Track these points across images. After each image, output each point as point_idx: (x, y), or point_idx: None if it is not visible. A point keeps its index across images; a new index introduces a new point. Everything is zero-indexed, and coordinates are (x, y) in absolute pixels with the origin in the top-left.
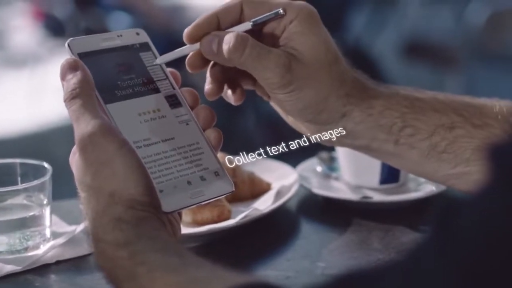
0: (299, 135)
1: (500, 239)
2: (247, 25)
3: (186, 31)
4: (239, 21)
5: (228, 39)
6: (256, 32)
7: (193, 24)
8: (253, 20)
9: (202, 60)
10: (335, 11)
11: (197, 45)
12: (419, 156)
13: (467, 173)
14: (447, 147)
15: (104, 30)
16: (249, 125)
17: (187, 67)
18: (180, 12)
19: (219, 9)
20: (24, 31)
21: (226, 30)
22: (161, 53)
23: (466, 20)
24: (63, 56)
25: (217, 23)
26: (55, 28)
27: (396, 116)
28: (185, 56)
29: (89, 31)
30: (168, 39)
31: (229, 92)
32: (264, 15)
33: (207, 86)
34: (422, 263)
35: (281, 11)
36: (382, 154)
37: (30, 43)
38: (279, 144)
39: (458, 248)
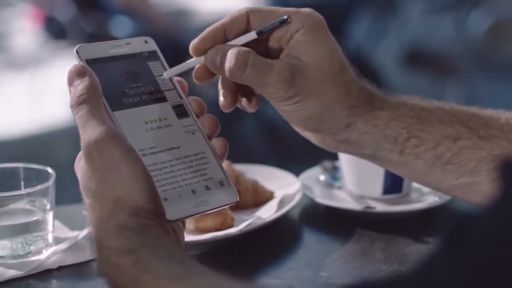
0: (301, 143)
1: (511, 251)
2: (252, 35)
3: (192, 44)
4: (246, 31)
5: (230, 57)
6: (263, 40)
7: (199, 37)
8: (257, 29)
9: (209, 72)
10: (337, 19)
11: (202, 58)
12: (424, 166)
13: (471, 184)
14: (452, 158)
15: (106, 34)
16: (253, 133)
17: (194, 79)
18: (183, 17)
19: (226, 20)
20: (26, 34)
21: (230, 43)
22: (166, 59)
23: (467, 29)
24: (65, 59)
25: (224, 34)
26: (56, 30)
27: (402, 127)
28: (184, 61)
29: (91, 35)
30: (171, 44)
31: (244, 100)
32: (269, 23)
33: (222, 99)
34: (432, 275)
35: (287, 18)
36: (387, 163)
37: (31, 46)
38: (281, 151)
39: (469, 260)
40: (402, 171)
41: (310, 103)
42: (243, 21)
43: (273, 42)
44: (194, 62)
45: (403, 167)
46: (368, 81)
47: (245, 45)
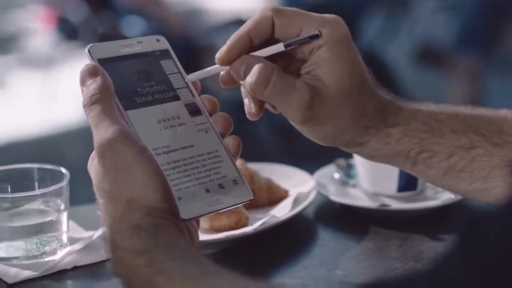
0: (313, 142)
1: None
2: (279, 47)
3: (218, 55)
4: (271, 36)
5: (253, 72)
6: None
7: (225, 47)
8: (286, 42)
9: (234, 79)
10: (349, 17)
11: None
12: (437, 175)
13: (485, 189)
14: (466, 166)
15: (118, 34)
16: (266, 132)
17: (219, 84)
18: (196, 16)
19: (250, 27)
20: (38, 35)
21: (257, 53)
22: (178, 58)
23: None
24: (77, 60)
25: (249, 41)
26: (68, 31)
27: (414, 143)
28: (197, 58)
29: (103, 35)
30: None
31: (268, 104)
32: (299, 38)
33: (249, 106)
34: (446, 274)
35: (317, 34)
36: (400, 168)
37: (44, 47)
38: (295, 150)
39: (483, 260)
40: (417, 175)
41: (325, 126)
42: (268, 26)
43: (295, 53)
44: (219, 69)
45: (417, 173)
46: (384, 89)
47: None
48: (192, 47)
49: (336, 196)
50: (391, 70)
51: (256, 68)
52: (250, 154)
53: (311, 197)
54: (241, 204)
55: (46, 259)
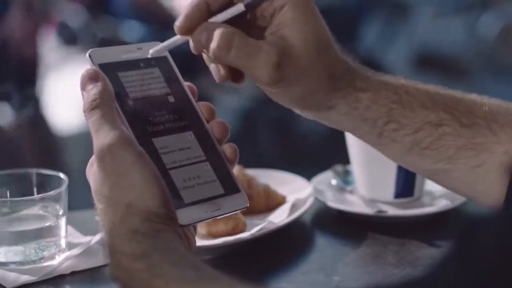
0: (312, 148)
1: None
2: (239, 8)
3: (176, 24)
4: (230, 3)
5: (214, 38)
6: (247, 14)
7: (182, 16)
8: (246, 2)
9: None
10: (348, 22)
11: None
12: (401, 149)
13: (448, 170)
14: (432, 143)
15: (117, 39)
16: (264, 138)
17: (193, 51)
18: None
19: None
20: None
21: (216, 17)
22: (180, 63)
23: (478, 32)
24: (77, 65)
25: (207, 9)
26: (68, 36)
27: (383, 111)
28: (195, 63)
29: (102, 41)
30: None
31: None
32: None
33: (219, 71)
34: (442, 279)
35: None
36: (365, 142)
37: (43, 52)
38: (293, 156)
39: (479, 264)
40: (380, 150)
41: (294, 88)
42: None
43: (257, 16)
44: (181, 40)
45: (381, 148)
46: (353, 57)
47: (231, 19)
48: (192, 53)
49: (333, 202)
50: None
51: (216, 33)
52: (248, 160)
53: (309, 203)
54: (238, 211)
55: (45, 264)
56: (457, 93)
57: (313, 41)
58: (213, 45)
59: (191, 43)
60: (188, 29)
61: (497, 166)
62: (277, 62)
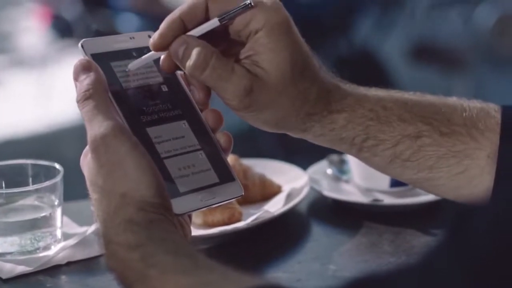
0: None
1: None
2: (214, 23)
3: (151, 42)
4: (205, 19)
5: (193, 55)
6: (223, 28)
7: (158, 32)
8: (220, 16)
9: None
10: (343, 14)
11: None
12: (382, 162)
13: (430, 179)
14: (412, 155)
15: (113, 32)
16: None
17: (161, 68)
18: None
19: (183, 10)
20: (33, 33)
21: (192, 32)
22: None
23: (474, 23)
24: (72, 57)
25: (183, 26)
26: (63, 29)
27: (360, 130)
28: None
29: (98, 33)
30: None
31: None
32: (232, 10)
33: (196, 95)
34: (435, 266)
35: (249, 3)
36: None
37: (39, 45)
38: (288, 145)
39: (472, 251)
40: (363, 162)
41: (265, 113)
42: (201, 10)
43: (233, 34)
44: (157, 55)
45: (362, 160)
46: (329, 72)
47: (207, 34)
48: None
49: (329, 191)
50: (386, 67)
51: (195, 51)
52: (243, 150)
53: (304, 192)
54: (233, 200)
55: (40, 255)
56: (437, 100)
57: (288, 68)
58: (189, 62)
59: (164, 60)
60: (162, 46)
61: (480, 171)
62: (247, 88)
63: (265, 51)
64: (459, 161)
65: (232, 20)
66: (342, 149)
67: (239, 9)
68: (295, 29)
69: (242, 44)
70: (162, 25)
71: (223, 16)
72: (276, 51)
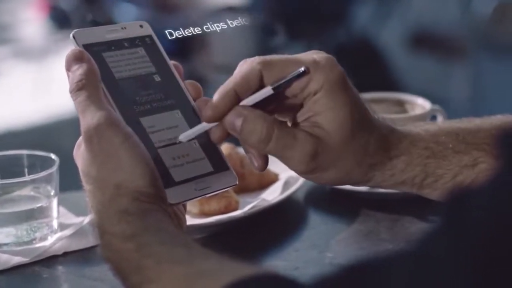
0: None
1: (510, 226)
2: (267, 91)
3: (205, 114)
4: (260, 87)
5: (254, 131)
6: (279, 94)
7: (211, 105)
8: (274, 84)
9: (227, 132)
10: (342, 2)
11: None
12: (443, 193)
13: None
14: (471, 183)
15: (110, 22)
16: None
17: (212, 138)
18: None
19: (237, 81)
20: (31, 24)
21: (247, 100)
22: (179, 50)
23: (472, 10)
24: (70, 49)
25: (236, 97)
26: (61, 20)
27: (418, 170)
28: (188, 45)
29: (95, 24)
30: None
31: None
32: (285, 78)
33: (254, 161)
34: (432, 251)
35: (304, 70)
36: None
37: (37, 36)
38: None
39: (468, 236)
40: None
41: (330, 172)
42: (255, 79)
43: (290, 98)
44: (208, 126)
45: (424, 195)
46: (380, 117)
47: (261, 101)
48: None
49: None
50: (384, 55)
51: (257, 126)
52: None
53: (301, 180)
54: (227, 189)
55: (37, 245)
56: (484, 122)
57: (349, 125)
58: (254, 138)
59: (215, 131)
60: (215, 118)
61: None
62: (312, 152)
63: (325, 111)
64: None
65: (285, 86)
66: (403, 190)
67: (293, 77)
68: (350, 82)
69: (298, 106)
70: (216, 97)
71: (278, 85)
72: (336, 110)
